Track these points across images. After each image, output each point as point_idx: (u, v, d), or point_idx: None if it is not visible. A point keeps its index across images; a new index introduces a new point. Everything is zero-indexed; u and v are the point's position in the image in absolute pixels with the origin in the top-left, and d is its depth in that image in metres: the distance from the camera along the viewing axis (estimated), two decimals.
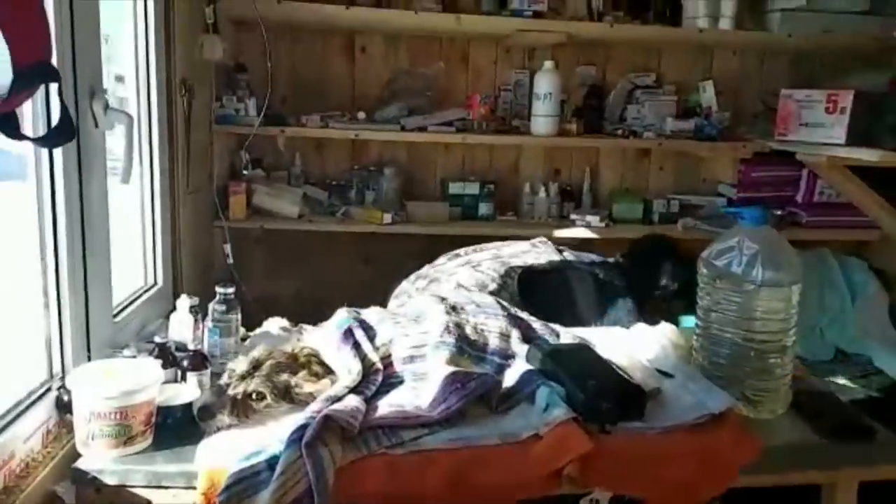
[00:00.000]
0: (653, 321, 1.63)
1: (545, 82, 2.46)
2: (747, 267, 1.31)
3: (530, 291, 1.83)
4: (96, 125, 1.36)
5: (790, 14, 2.38)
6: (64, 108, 1.05)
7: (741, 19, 2.42)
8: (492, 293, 1.73)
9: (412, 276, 2.02)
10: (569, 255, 2.07)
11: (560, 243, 2.61)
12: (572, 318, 1.73)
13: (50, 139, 1.12)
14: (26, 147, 1.20)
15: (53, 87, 1.10)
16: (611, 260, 2.07)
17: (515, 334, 1.47)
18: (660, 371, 1.43)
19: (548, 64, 2.48)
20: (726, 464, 1.22)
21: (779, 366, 1.34)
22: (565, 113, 2.60)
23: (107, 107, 1.37)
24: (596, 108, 2.67)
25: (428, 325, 1.43)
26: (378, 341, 1.41)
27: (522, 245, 2.09)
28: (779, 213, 2.41)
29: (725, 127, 2.63)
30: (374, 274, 2.76)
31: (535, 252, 2.01)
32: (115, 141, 1.47)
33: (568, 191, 2.76)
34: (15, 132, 0.95)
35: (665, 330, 1.64)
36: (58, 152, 1.24)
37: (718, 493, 1.23)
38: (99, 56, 1.39)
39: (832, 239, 2.73)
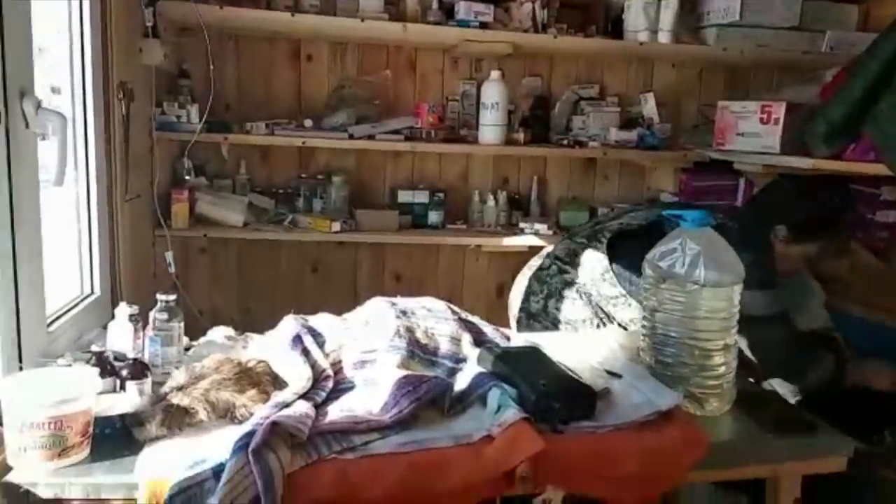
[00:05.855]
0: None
1: (492, 92, 2.49)
2: (690, 268, 1.34)
3: (628, 253, 1.77)
4: (27, 125, 1.30)
5: (725, 29, 2.48)
6: None
7: (679, 34, 2.51)
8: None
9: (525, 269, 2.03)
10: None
11: (508, 251, 2.65)
12: None
13: None
14: None
15: None
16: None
17: (466, 338, 1.47)
18: (609, 372, 1.45)
19: (494, 74, 2.51)
20: (675, 460, 1.24)
21: (722, 363, 1.38)
22: (512, 123, 2.63)
23: (39, 107, 1.32)
24: (542, 118, 2.72)
25: (378, 329, 1.42)
26: (327, 347, 1.39)
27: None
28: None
29: (667, 137, 2.71)
30: (321, 282, 2.73)
31: (628, 216, 1.93)
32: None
33: (516, 199, 2.79)
34: None
35: (613, 332, 1.66)
36: None
37: (668, 489, 1.24)
38: (30, 55, 1.33)
39: None
